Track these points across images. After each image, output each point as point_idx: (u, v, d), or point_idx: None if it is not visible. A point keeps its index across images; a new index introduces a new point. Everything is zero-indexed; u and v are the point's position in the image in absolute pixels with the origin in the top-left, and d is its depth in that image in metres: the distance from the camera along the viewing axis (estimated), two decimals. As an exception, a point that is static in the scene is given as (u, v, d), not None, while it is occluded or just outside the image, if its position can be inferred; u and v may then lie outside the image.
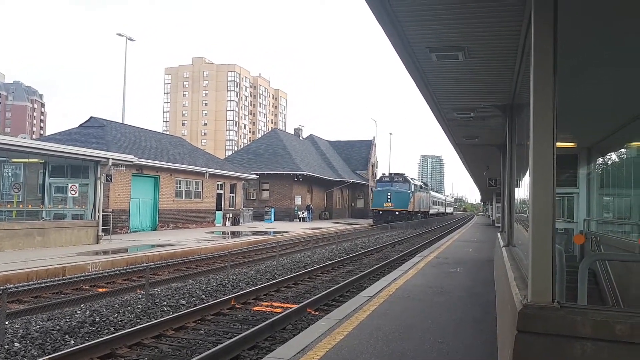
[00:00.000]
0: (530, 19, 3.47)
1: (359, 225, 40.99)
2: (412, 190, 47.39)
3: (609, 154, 10.11)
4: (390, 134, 77.81)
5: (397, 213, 44.09)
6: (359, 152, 67.17)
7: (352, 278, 12.98)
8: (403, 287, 9.58)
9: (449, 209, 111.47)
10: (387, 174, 51.50)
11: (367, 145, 68.06)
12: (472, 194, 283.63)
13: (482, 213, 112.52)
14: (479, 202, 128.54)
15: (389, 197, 44.93)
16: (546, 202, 3.12)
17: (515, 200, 8.31)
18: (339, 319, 6.91)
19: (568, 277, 3.97)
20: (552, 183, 3.13)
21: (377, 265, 15.74)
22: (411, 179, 50.50)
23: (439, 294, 9.03)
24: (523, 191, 6.71)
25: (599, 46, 5.42)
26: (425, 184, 64.90)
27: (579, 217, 11.16)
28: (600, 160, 10.62)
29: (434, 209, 69.65)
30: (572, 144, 10.32)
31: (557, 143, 3.21)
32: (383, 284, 10.00)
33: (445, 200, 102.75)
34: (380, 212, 44.95)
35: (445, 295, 8.88)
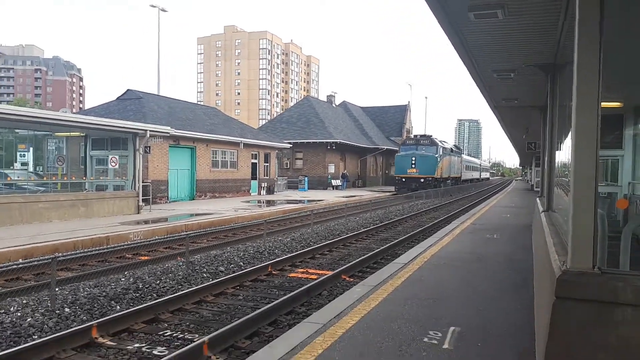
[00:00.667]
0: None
1: (391, 193, 40.73)
2: (440, 154, 42.72)
3: (657, 114, 9.63)
4: (426, 97, 76.11)
5: (422, 180, 39.62)
6: (393, 118, 66.16)
7: (386, 245, 13.00)
8: (438, 254, 9.53)
9: (485, 175, 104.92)
10: (411, 136, 47.56)
11: (402, 111, 66.98)
12: (510, 159, 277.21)
13: (520, 178, 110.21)
14: (518, 166, 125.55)
15: (413, 162, 40.18)
16: (589, 165, 2.99)
17: (556, 164, 8.05)
18: (374, 285, 6.95)
19: (610, 243, 3.84)
20: (595, 145, 2.99)
21: (412, 233, 15.70)
22: (440, 141, 45.91)
23: (475, 260, 8.94)
24: (564, 154, 6.48)
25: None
26: (457, 147, 58.22)
27: (624, 180, 10.76)
28: (648, 120, 10.13)
29: (467, 175, 65.15)
30: (618, 103, 9.86)
31: (602, 103, 3.05)
32: (418, 250, 9.97)
33: (480, 164, 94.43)
34: (404, 180, 40.60)
35: (482, 262, 8.79)
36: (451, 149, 49.53)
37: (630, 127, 10.43)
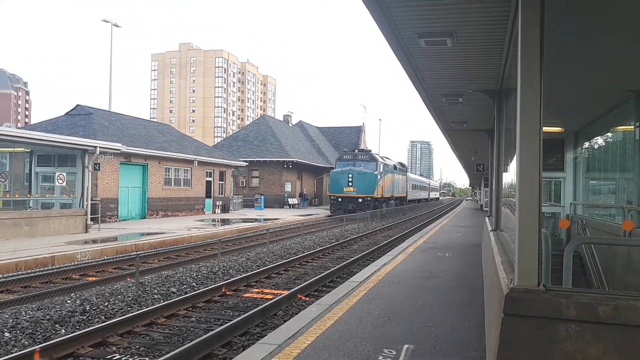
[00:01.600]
0: (518, 5, 3.48)
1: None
2: (381, 170, 38.03)
3: (595, 139, 10.23)
4: (380, 119, 77.48)
5: (360, 200, 34.85)
6: (348, 138, 67.03)
7: (342, 264, 13.07)
8: (392, 272, 9.67)
9: (435, 194, 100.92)
10: (348, 151, 42.57)
11: (357, 131, 68.01)
12: (461, 179, 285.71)
13: (470, 198, 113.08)
14: (468, 187, 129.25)
15: (350, 179, 35.30)
16: (533, 187, 3.16)
17: (503, 185, 8.39)
18: (330, 304, 6.97)
19: (554, 261, 4.03)
20: (538, 167, 3.16)
21: (367, 251, 15.85)
22: (381, 157, 41.84)
23: (427, 278, 9.13)
24: (510, 176, 6.77)
25: (586, 30, 5.45)
26: (402, 165, 52.91)
27: (566, 201, 11.31)
28: (587, 144, 10.74)
29: (415, 194, 61.06)
30: (559, 128, 10.42)
31: (544, 128, 3.24)
32: (373, 269, 10.08)
33: (429, 184, 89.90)
34: (340, 200, 35.58)
35: (434, 280, 8.98)
36: (394, 166, 44.97)
37: (571, 150, 11.02)
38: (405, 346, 5.13)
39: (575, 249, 4.89)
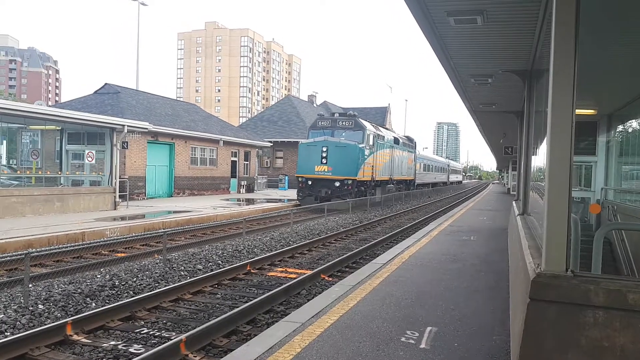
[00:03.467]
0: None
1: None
2: (371, 143, 27.02)
3: (630, 122, 9.90)
4: (406, 100, 76.62)
5: (336, 184, 24.93)
6: (373, 119, 66.21)
7: (365, 245, 13.09)
8: (416, 255, 9.65)
9: (456, 177, 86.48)
10: (326, 116, 30.66)
11: (382, 112, 67.44)
12: (488, 162, 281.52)
13: (497, 181, 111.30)
14: (495, 170, 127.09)
15: (323, 155, 25.09)
16: (563, 170, 3.08)
17: (532, 169, 8.23)
18: (352, 285, 7.00)
19: (583, 247, 3.96)
20: (569, 151, 3.08)
21: (391, 234, 15.83)
22: (374, 125, 30.67)
23: (452, 261, 9.08)
24: (540, 159, 6.63)
25: (623, 8, 5.24)
26: (409, 139, 41.51)
27: (597, 186, 11.04)
28: (620, 127, 10.41)
29: (426, 177, 49.93)
30: (592, 111, 10.12)
31: (577, 110, 3.15)
32: (396, 251, 10.07)
33: (448, 165, 74.09)
34: (310, 182, 25.47)
35: (459, 263, 8.93)
36: (396, 139, 34.24)
37: (604, 134, 10.71)
38: (429, 328, 5.13)
39: (605, 235, 4.78)
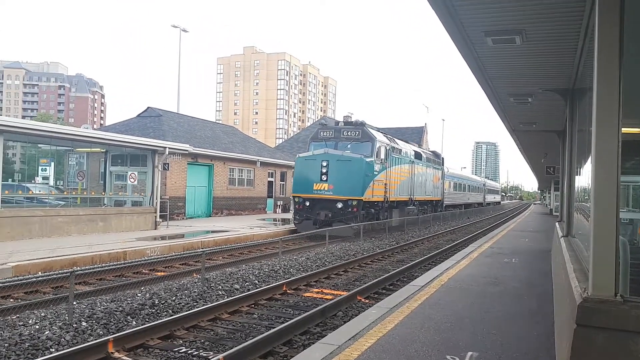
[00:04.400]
0: (595, -1, 3.30)
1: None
2: (382, 157, 22.73)
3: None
4: (443, 120, 75.81)
5: (339, 205, 20.69)
6: (410, 139, 65.94)
7: (403, 267, 12.90)
8: (455, 277, 9.44)
9: (493, 198, 76.50)
10: (329, 125, 25.07)
11: (419, 132, 66.87)
12: (528, 182, 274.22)
13: (539, 202, 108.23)
14: (536, 190, 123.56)
15: (323, 171, 21.06)
16: (609, 191, 2.98)
17: (575, 189, 7.98)
18: (390, 307, 6.90)
19: (633, 270, 3.79)
20: (616, 170, 2.99)
21: (428, 255, 15.56)
22: (386, 135, 25.81)
23: (493, 284, 8.83)
24: (584, 179, 6.43)
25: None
26: (435, 154, 37.28)
27: (646, 207, 10.57)
28: (670, 146, 9.99)
29: (459, 198, 45.31)
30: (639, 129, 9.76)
31: (623, 128, 3.06)
32: (434, 273, 9.88)
33: (484, 184, 66.28)
34: (307, 203, 21.33)
35: (500, 286, 8.67)
36: (417, 153, 30.23)
37: (652, 152, 10.29)
38: (469, 353, 4.99)
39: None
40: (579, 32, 5.86)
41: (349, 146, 21.97)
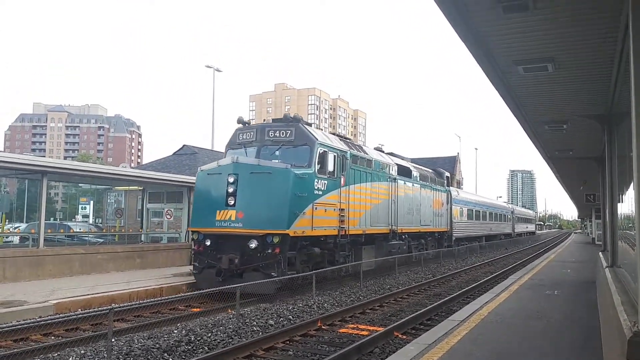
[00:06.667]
0: (628, 22, 3.26)
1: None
2: (330, 169, 14.91)
3: None
4: (476, 149, 74.88)
5: (252, 245, 12.98)
6: (442, 168, 65.27)
7: (440, 301, 12.57)
8: (495, 311, 9.13)
9: (526, 227, 65.23)
10: (249, 125, 15.83)
11: (451, 161, 66.21)
12: (568, 210, 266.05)
13: (580, 231, 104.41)
14: (576, 218, 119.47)
15: (229, 190, 13.42)
16: (656, 220, 2.86)
17: (618, 216, 7.70)
18: (428, 343, 6.70)
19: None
20: (661, 198, 2.88)
21: (466, 288, 15.14)
22: (341, 138, 17.99)
23: (535, 318, 8.50)
24: (627, 206, 6.20)
25: None
26: (437, 173, 29.12)
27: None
28: None
29: (475, 228, 35.12)
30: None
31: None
32: (474, 307, 9.59)
33: (512, 212, 55.39)
34: (207, 243, 13.74)
35: (543, 320, 8.33)
36: (403, 167, 21.92)
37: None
38: (513, 392, 4.77)
39: None
40: (613, 57, 5.78)
41: (277, 153, 14.56)
